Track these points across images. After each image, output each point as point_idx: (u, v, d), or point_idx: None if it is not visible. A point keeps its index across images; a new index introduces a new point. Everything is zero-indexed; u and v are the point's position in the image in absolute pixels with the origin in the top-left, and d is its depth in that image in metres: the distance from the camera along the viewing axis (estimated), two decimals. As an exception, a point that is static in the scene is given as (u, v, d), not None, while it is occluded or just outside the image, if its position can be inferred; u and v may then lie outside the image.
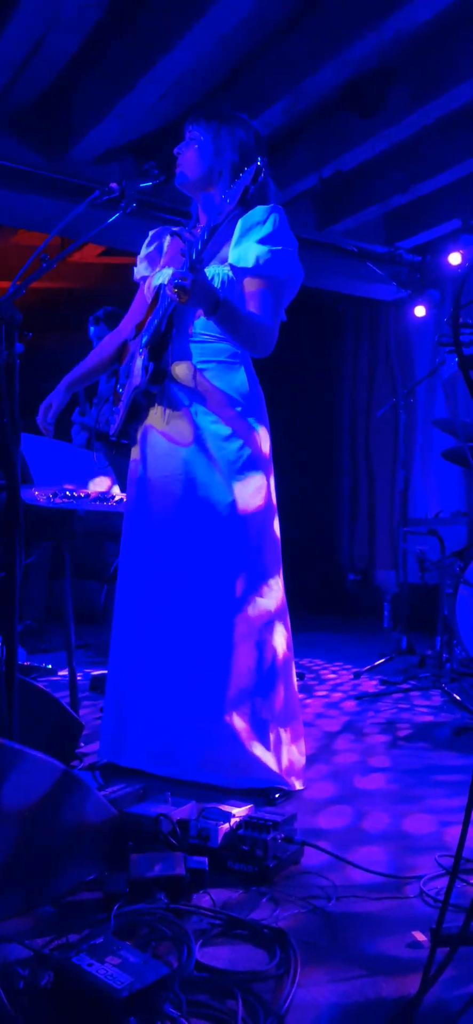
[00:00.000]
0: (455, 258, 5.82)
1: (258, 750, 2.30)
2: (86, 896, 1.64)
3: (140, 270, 2.69)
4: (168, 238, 2.67)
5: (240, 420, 2.42)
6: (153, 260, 2.66)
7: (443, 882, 1.74)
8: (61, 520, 2.85)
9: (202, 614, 2.35)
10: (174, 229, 2.67)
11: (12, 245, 6.29)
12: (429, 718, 3.38)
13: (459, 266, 5.74)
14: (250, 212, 2.38)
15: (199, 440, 2.39)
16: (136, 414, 2.53)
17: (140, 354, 2.46)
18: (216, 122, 2.46)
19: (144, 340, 2.45)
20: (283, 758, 2.35)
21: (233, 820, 1.84)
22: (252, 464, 2.41)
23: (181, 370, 2.43)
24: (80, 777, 1.71)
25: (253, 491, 2.40)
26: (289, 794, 2.32)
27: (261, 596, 2.39)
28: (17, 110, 4.76)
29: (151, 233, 2.72)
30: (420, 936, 1.51)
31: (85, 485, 3.14)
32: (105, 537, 4.13)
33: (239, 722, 2.30)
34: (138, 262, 2.70)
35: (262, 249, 2.34)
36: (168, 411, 2.42)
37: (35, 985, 1.29)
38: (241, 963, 1.41)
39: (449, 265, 5.96)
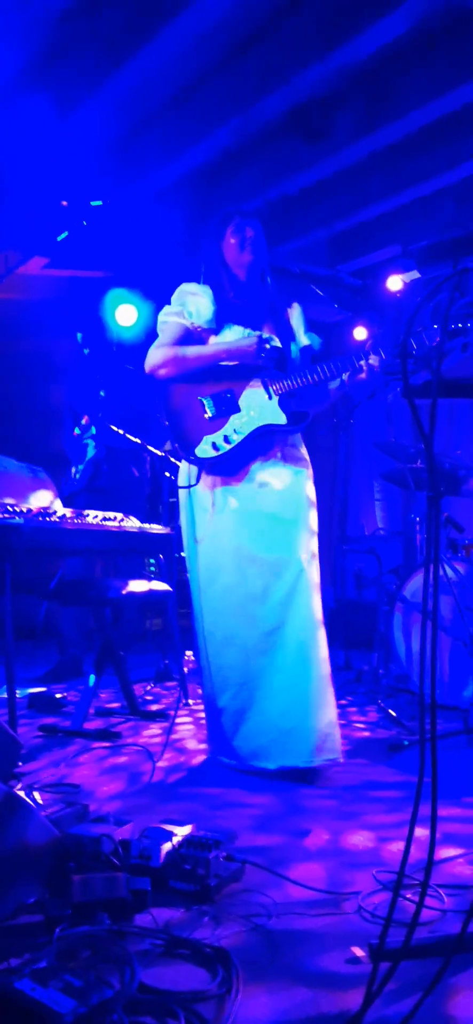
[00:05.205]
0: (394, 283, 5.96)
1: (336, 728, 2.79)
2: (27, 919, 1.62)
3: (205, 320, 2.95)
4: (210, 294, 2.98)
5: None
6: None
7: (380, 897, 1.78)
8: (1, 535, 2.80)
9: (307, 615, 2.81)
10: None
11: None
12: (366, 733, 3.45)
13: (398, 291, 5.88)
14: (296, 305, 3.21)
15: (306, 467, 2.97)
16: (254, 450, 2.86)
17: (269, 397, 2.87)
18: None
19: (282, 391, 2.87)
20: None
21: (175, 839, 1.85)
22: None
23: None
24: (22, 798, 1.69)
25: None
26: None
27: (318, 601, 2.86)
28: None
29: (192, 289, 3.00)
30: (359, 951, 1.55)
31: (26, 499, 3.10)
32: (46, 553, 4.07)
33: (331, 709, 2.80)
34: (196, 311, 2.96)
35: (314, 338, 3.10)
36: (286, 448, 2.93)
37: (-25, 1011, 1.27)
38: (183, 983, 1.42)
39: (388, 290, 6.11)
